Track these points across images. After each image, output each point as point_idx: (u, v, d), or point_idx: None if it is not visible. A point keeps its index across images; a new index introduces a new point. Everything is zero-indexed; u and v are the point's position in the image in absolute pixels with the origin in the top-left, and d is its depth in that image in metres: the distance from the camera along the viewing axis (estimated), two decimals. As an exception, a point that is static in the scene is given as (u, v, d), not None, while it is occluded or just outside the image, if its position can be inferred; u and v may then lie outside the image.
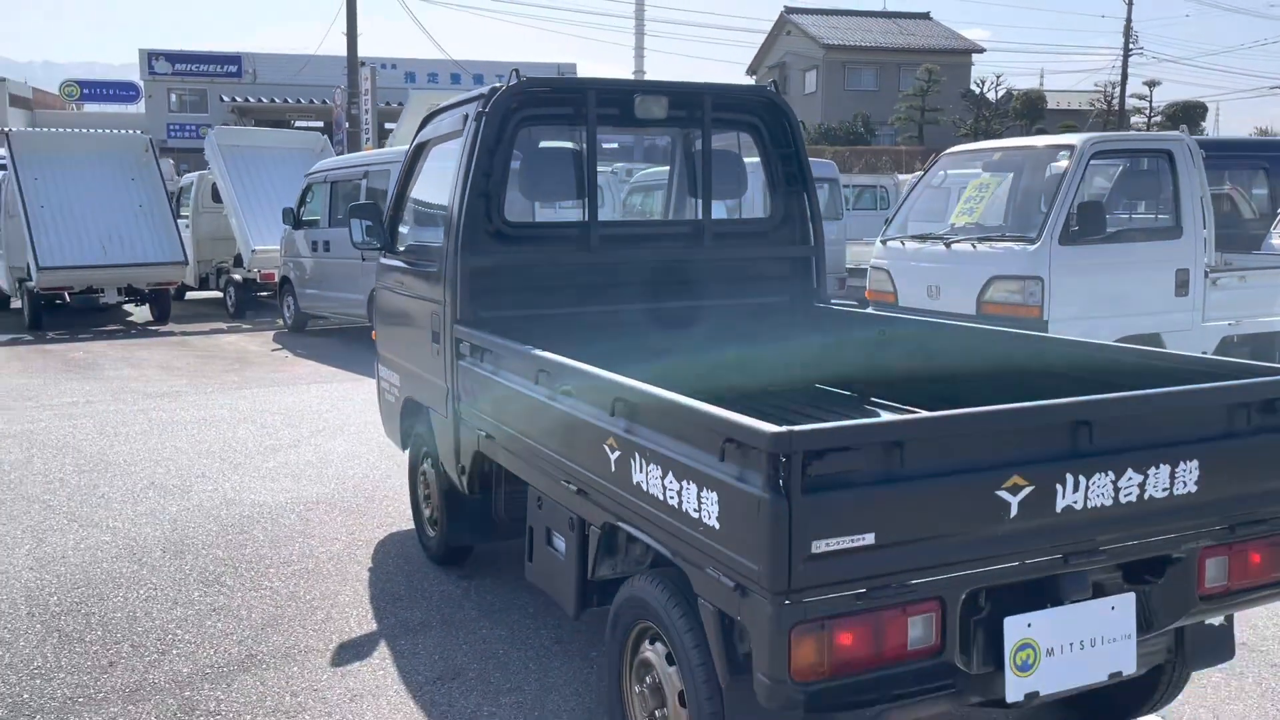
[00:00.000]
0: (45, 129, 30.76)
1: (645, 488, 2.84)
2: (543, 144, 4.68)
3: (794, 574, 2.33)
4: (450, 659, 4.02)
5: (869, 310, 5.91)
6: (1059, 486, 2.61)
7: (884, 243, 8.49)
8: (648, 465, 2.82)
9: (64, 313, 14.88)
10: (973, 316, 7.50)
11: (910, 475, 2.46)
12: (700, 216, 4.77)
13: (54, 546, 5.32)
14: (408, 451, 5.31)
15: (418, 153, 5.16)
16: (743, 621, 2.49)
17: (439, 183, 4.77)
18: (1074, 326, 7.12)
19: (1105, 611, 2.79)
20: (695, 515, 2.61)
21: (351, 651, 4.09)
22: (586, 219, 4.53)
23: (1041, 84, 55.48)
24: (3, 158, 15.36)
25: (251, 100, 43.09)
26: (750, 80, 60.38)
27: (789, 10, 52.95)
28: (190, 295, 17.65)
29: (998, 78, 48.72)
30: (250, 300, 15.81)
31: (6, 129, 15.37)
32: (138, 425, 8.18)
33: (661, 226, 4.99)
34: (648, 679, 3.03)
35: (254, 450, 7.34)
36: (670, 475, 2.71)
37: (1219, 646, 3.29)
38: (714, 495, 2.53)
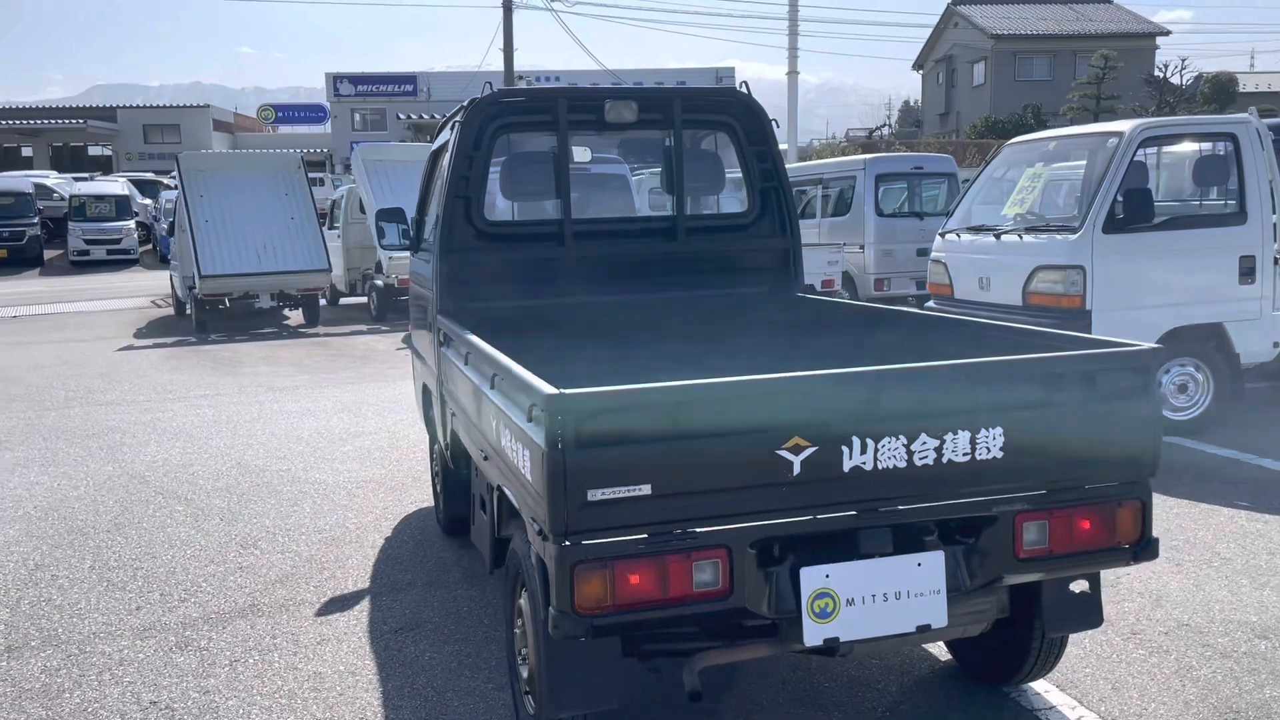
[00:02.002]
0: (210, 150, 33.71)
1: (503, 449, 3.24)
2: (520, 149, 5.12)
3: (571, 518, 2.68)
4: (418, 613, 4.51)
5: (846, 300, 6.07)
6: (845, 449, 2.85)
7: (942, 235, 8.53)
8: (503, 428, 3.22)
9: (228, 317, 16.33)
10: (1019, 308, 7.50)
11: (686, 434, 2.76)
12: (674, 212, 5.11)
13: (135, 514, 6.12)
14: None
15: (433, 160, 5.70)
16: (544, 561, 2.85)
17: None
18: (1120, 317, 7.04)
19: (911, 567, 3.00)
20: (523, 471, 2.98)
21: (337, 605, 4.64)
22: (562, 217, 4.95)
23: (1252, 65, 51.98)
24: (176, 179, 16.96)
25: (425, 117, 45.40)
26: (917, 75, 59.13)
27: (955, 1, 51.66)
28: (343, 301, 18.97)
29: (1183, 61, 46.11)
30: (392, 304, 16.90)
31: (177, 154, 16.95)
32: (249, 414, 9.08)
33: (637, 223, 5.35)
34: (518, 625, 3.42)
35: (337, 437, 8.08)
36: (510, 435, 3.10)
37: (1082, 612, 3.41)
38: (527, 452, 2.90)
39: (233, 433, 8.35)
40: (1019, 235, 7.64)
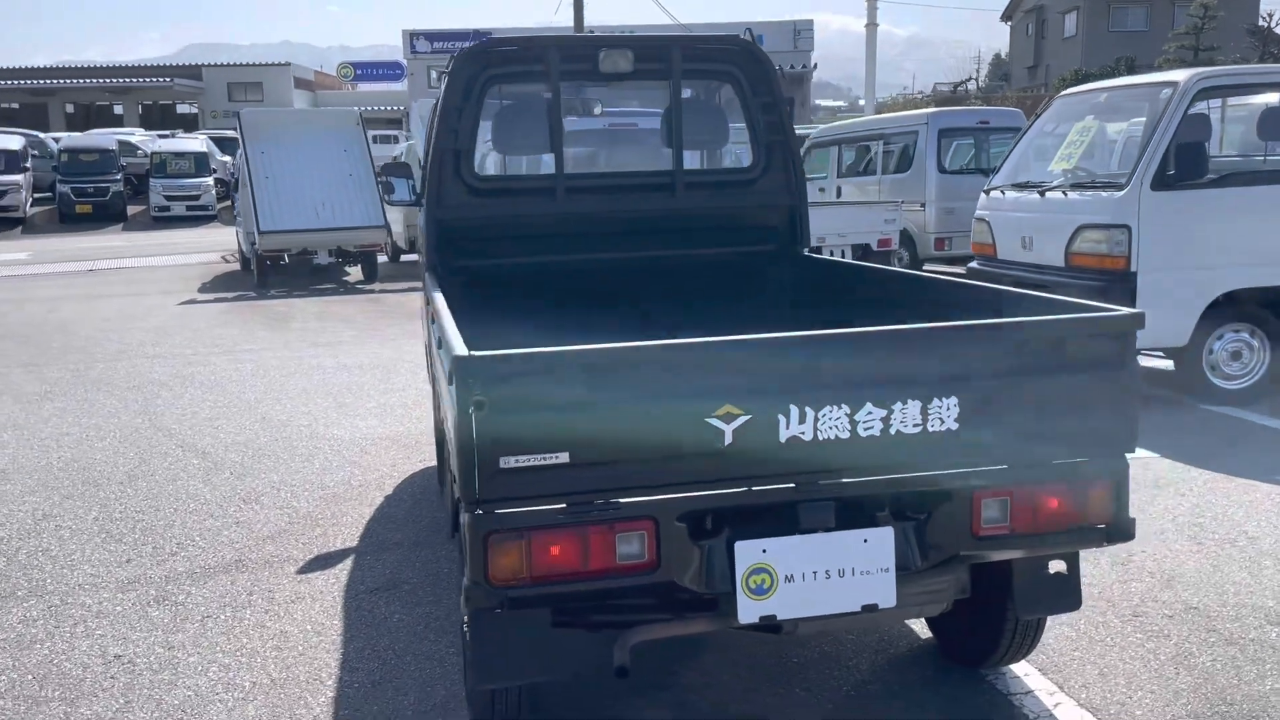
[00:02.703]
0: (272, 108, 34.35)
1: (445, 411, 3.13)
2: (511, 101, 4.97)
3: (483, 486, 2.57)
4: (398, 574, 4.47)
5: (851, 260, 5.82)
6: (781, 418, 2.68)
7: (987, 192, 8.17)
8: (443, 390, 3.12)
9: (289, 273, 16.55)
10: (1061, 270, 7.16)
11: (606, 400, 2.62)
12: (673, 167, 4.93)
13: (151, 467, 6.20)
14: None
15: (433, 114, 5.58)
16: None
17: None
18: (1168, 279, 6.69)
19: (856, 544, 2.82)
20: (451, 436, 2.88)
21: (321, 563, 4.62)
22: (555, 171, 4.81)
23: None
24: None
25: (500, 72, 45.28)
26: (1005, 26, 57.22)
27: (1047, -50, 49.73)
28: (404, 257, 19.09)
29: (1290, 9, 43.66)
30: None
31: (238, 111, 17.16)
32: (285, 369, 9.16)
33: (633, 178, 5.17)
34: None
35: (365, 392, 8.10)
36: (446, 398, 2.99)
37: (1057, 594, 3.21)
38: (452, 416, 2.79)
39: (265, 387, 8.42)
40: (1063, 192, 7.27)
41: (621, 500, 2.67)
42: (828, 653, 3.71)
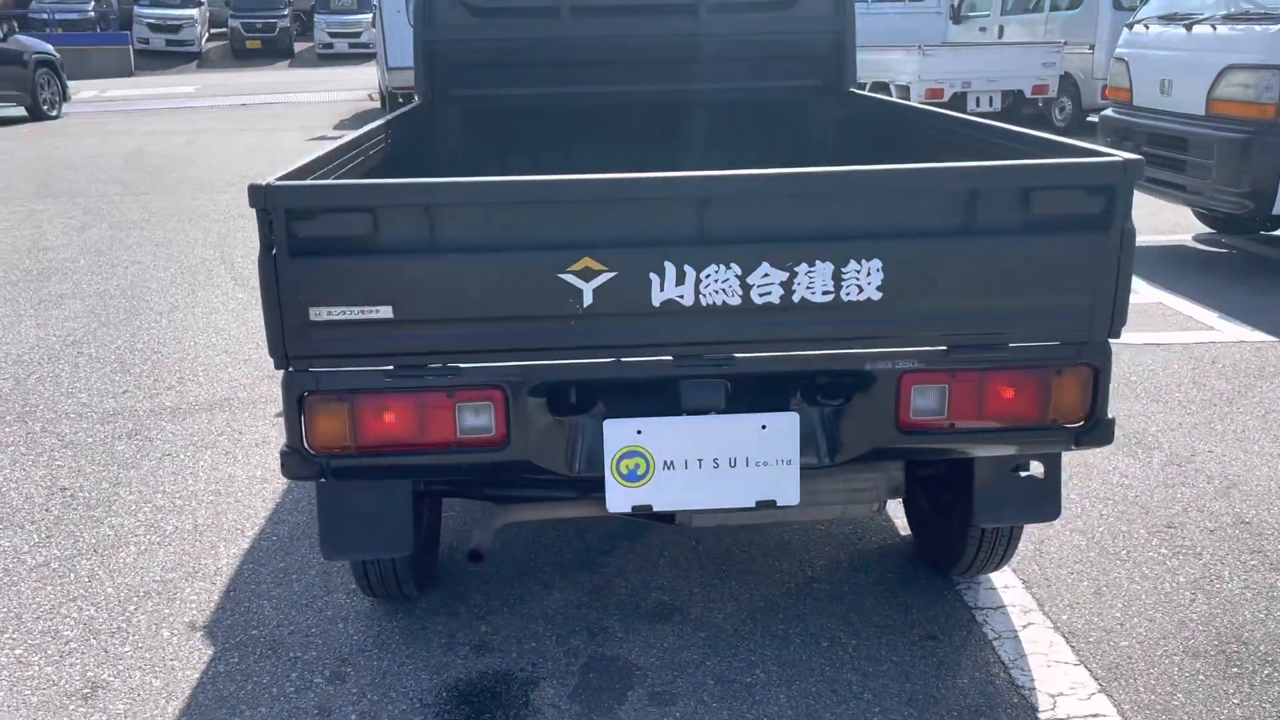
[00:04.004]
0: None
1: None
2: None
3: (291, 341, 2.25)
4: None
5: (911, 102, 5.06)
6: (654, 277, 2.23)
7: (1129, 27, 7.10)
8: None
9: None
10: (1201, 119, 6.16)
11: (437, 246, 2.23)
12: (696, -14, 4.32)
13: (199, 299, 6.18)
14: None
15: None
16: None
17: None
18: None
19: (752, 430, 2.38)
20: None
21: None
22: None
23: None
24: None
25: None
26: None
27: None
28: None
29: None
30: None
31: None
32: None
33: (653, -2, 4.56)
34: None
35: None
36: None
37: (1028, 501, 2.68)
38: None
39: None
40: (1212, 26, 6.19)
41: (462, 366, 2.30)
42: (783, 542, 3.29)
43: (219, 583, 3.12)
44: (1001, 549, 2.88)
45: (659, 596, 3.01)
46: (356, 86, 21.90)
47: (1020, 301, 2.31)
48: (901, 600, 2.98)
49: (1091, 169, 2.27)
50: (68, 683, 2.68)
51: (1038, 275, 2.29)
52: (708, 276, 2.23)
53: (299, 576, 3.14)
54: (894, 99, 4.60)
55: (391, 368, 2.29)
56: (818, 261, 2.24)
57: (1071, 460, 3.78)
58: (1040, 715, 2.51)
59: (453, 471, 2.48)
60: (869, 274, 2.25)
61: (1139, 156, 2.27)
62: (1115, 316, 2.32)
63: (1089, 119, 12.12)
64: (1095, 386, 2.38)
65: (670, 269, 2.22)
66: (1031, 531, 3.29)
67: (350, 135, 3.14)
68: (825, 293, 2.26)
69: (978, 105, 12.03)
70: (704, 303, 2.24)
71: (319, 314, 2.22)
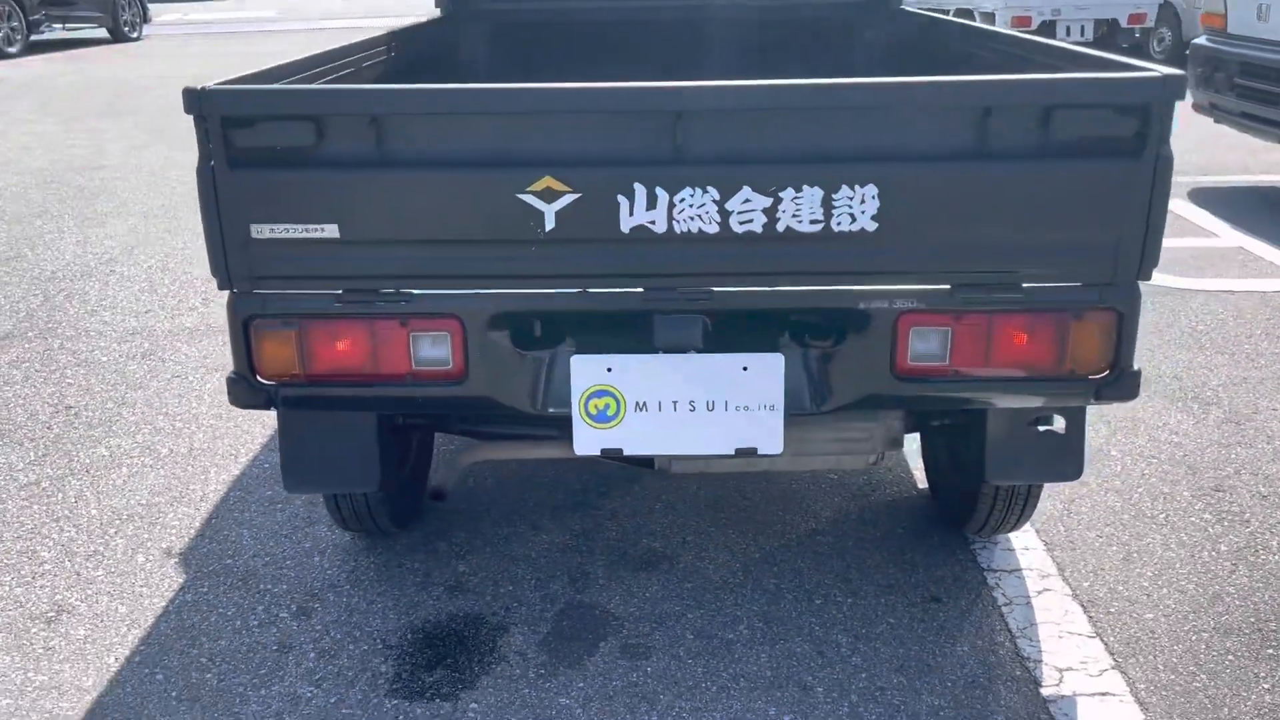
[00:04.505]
0: None
1: None
2: None
3: (233, 260, 2.11)
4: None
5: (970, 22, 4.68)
6: (622, 200, 2.03)
7: (1228, -54, 6.53)
8: None
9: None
10: (1301, 46, 5.66)
11: (386, 160, 2.05)
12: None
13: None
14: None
15: None
16: None
17: None
18: None
19: (733, 371, 2.18)
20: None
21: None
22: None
23: None
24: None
25: None
26: None
27: None
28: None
29: None
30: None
31: None
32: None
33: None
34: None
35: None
36: None
37: (1045, 459, 2.44)
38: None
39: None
40: (1319, -56, 5.65)
41: (416, 292, 2.13)
42: (791, 492, 3.10)
43: (203, 509, 3.05)
44: (1019, 508, 2.64)
45: (649, 543, 2.85)
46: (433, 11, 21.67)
47: (1036, 236, 2.06)
48: (909, 558, 2.77)
49: (1123, 85, 1.99)
50: (34, 605, 2.63)
51: (1058, 207, 2.03)
52: (682, 201, 2.02)
53: (284, 506, 3.04)
54: (950, 18, 4.26)
55: (340, 292, 2.13)
56: (805, 186, 2.01)
57: (1117, 413, 3.50)
58: (1043, 690, 2.30)
59: (409, 405, 2.33)
60: (863, 201, 2.02)
61: (1180, 72, 1.98)
62: (1145, 256, 2.06)
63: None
64: (1119, 334, 2.12)
65: (640, 192, 2.02)
66: (1061, 489, 3.05)
67: (342, 44, 2.97)
68: (813, 221, 2.03)
69: (1067, 34, 11.37)
70: (678, 230, 2.04)
71: (260, 231, 2.08)
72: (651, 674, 2.36)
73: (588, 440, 2.23)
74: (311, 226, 2.07)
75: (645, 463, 2.44)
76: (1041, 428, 2.41)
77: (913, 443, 3.20)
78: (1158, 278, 4.91)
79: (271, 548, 2.85)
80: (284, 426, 2.44)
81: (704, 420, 2.21)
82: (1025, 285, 2.10)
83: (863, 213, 2.02)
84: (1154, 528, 2.91)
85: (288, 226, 2.07)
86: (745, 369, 2.18)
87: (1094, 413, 3.47)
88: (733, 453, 2.23)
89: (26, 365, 4.06)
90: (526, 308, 2.16)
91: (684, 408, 2.21)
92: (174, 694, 2.31)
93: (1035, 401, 2.24)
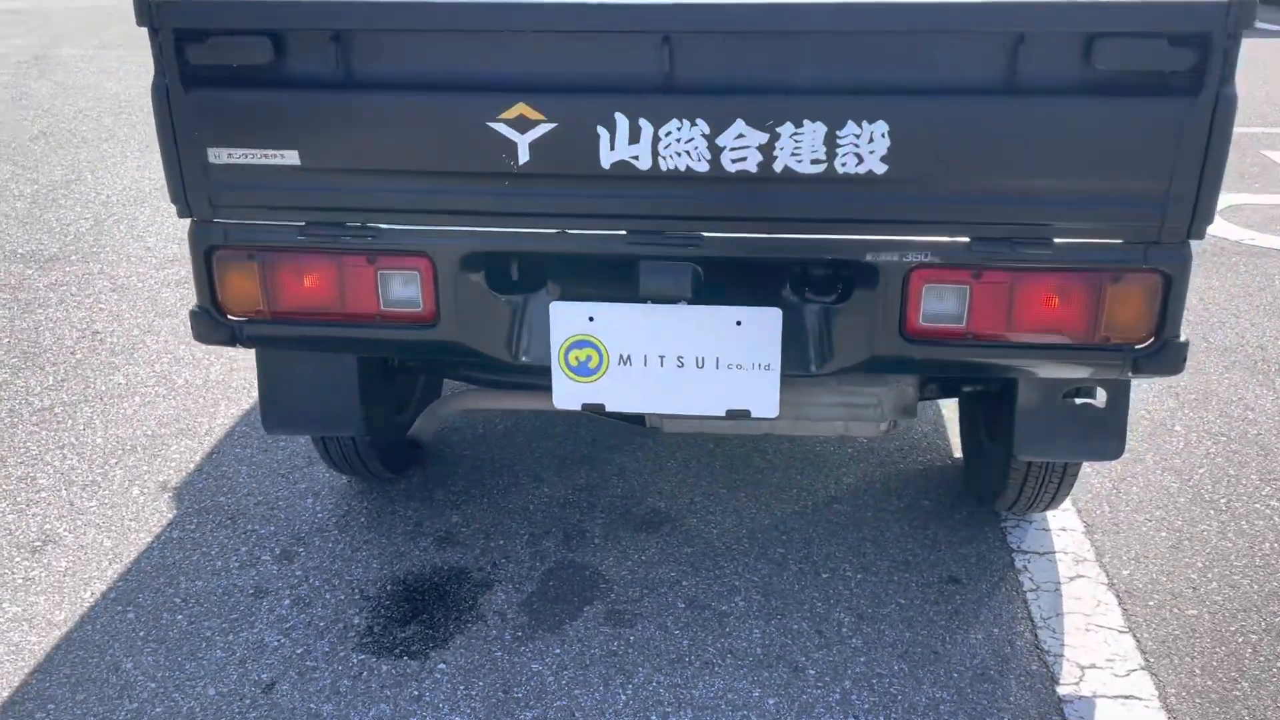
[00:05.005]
0: None
1: None
2: None
3: (191, 186, 1.98)
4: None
5: None
6: (602, 131, 1.84)
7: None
8: None
9: None
10: None
11: (350, 81, 1.89)
12: None
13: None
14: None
15: None
16: None
17: None
18: None
19: (725, 325, 1.99)
20: None
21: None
22: None
23: None
24: None
25: None
26: None
27: None
28: None
29: None
30: None
31: None
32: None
33: None
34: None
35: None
36: None
37: (1081, 434, 2.20)
38: None
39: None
40: None
41: (383, 227, 1.98)
42: (815, 454, 2.89)
43: (206, 443, 2.98)
44: (1053, 486, 2.40)
45: (654, 502, 2.69)
46: None
47: (1071, 185, 1.81)
48: (931, 533, 2.56)
49: (1180, 10, 1.71)
50: (23, 534, 2.59)
51: (1098, 151, 1.77)
52: (668, 135, 1.83)
53: (286, 444, 2.96)
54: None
55: (304, 224, 1.99)
56: (806, 121, 1.79)
57: (1185, 383, 3.20)
58: (1059, 689, 2.09)
59: (379, 348, 2.19)
60: (871, 140, 1.79)
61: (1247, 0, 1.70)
62: (1198, 213, 1.79)
63: None
64: (1165, 299, 1.86)
65: (622, 123, 1.83)
66: (1113, 465, 2.79)
67: None
68: (815, 161, 1.81)
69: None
70: (664, 167, 1.84)
71: (218, 155, 1.94)
72: (634, 644, 2.21)
73: (568, 394, 2.07)
74: (270, 152, 1.93)
75: (636, 420, 2.28)
76: (1079, 400, 2.16)
77: (951, 409, 2.97)
78: (1245, 236, 4.53)
79: (267, 487, 2.77)
80: (263, 364, 2.33)
81: (693, 378, 2.03)
82: (1056, 240, 1.85)
83: (871, 153, 1.80)
84: (1212, 513, 2.64)
85: (246, 151, 1.93)
86: (739, 323, 1.99)
87: (1161, 383, 3.19)
88: (723, 414, 2.05)
89: (64, 289, 4.05)
90: (501, 248, 2.00)
91: (671, 363, 2.03)
92: (142, 634, 2.25)
93: (1062, 372, 2.00)
